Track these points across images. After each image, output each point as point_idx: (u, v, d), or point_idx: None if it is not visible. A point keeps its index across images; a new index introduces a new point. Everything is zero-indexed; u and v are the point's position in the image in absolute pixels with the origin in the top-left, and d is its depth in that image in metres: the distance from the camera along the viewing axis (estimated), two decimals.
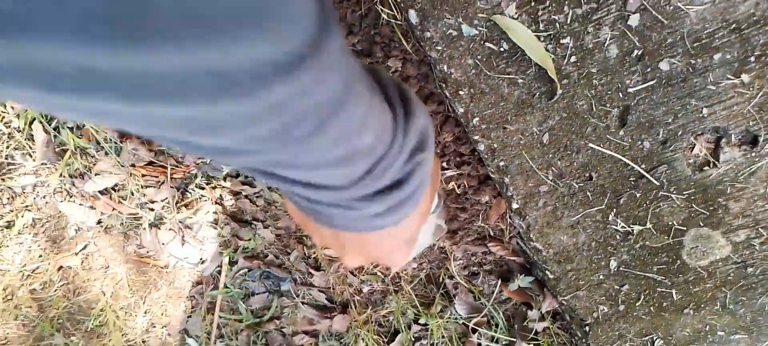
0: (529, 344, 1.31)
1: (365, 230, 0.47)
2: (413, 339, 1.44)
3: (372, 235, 0.49)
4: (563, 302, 1.16)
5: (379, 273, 1.43)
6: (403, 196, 0.44)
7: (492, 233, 1.28)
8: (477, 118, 1.01)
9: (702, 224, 1.03)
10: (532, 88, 0.98)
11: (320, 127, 0.32)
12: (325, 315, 1.55)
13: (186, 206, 1.55)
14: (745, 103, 0.92)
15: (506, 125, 1.01)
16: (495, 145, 1.03)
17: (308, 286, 1.55)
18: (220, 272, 1.59)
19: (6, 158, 1.51)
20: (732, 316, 1.10)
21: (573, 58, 0.94)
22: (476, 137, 1.03)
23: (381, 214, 0.45)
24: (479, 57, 0.96)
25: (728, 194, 0.99)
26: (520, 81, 0.97)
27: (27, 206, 1.57)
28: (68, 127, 1.48)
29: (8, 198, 1.55)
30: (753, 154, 0.96)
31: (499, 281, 1.30)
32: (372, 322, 1.47)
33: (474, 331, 1.36)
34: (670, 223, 1.04)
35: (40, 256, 1.58)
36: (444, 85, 1.01)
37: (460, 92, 0.99)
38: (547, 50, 0.94)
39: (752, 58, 0.89)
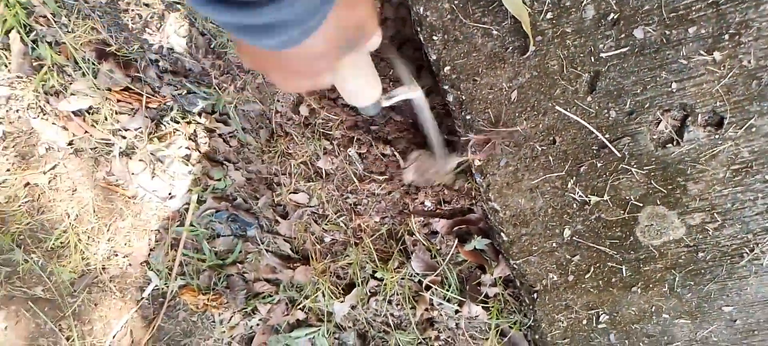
0: (478, 306, 1.27)
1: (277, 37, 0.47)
2: (369, 294, 1.40)
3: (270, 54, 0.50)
4: (515, 265, 1.13)
5: (341, 224, 1.39)
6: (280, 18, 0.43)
7: (458, 189, 1.24)
8: (448, 67, 0.97)
9: (659, 203, 0.99)
10: (506, 42, 0.94)
11: None
12: (288, 265, 1.50)
13: (159, 138, 1.49)
14: (714, 83, 0.89)
15: (476, 77, 0.97)
16: (464, 97, 0.99)
17: (274, 234, 1.51)
18: (187, 210, 1.54)
19: None
20: (678, 299, 1.07)
21: (549, 15, 0.90)
22: (446, 87, 0.99)
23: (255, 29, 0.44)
24: (456, 2, 0.92)
25: (688, 175, 0.96)
26: (494, 32, 0.93)
27: None
28: (47, 42, 1.42)
29: None
30: (717, 136, 0.92)
31: (456, 241, 1.26)
32: (330, 272, 1.43)
33: (427, 288, 1.32)
34: (627, 197, 1.00)
35: (8, 170, 1.52)
36: (419, 29, 0.97)
37: (434, 37, 0.95)
38: (524, 3, 0.90)
39: (726, 36, 0.86)
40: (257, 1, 0.41)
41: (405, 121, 1.30)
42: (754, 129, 0.90)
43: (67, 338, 1.56)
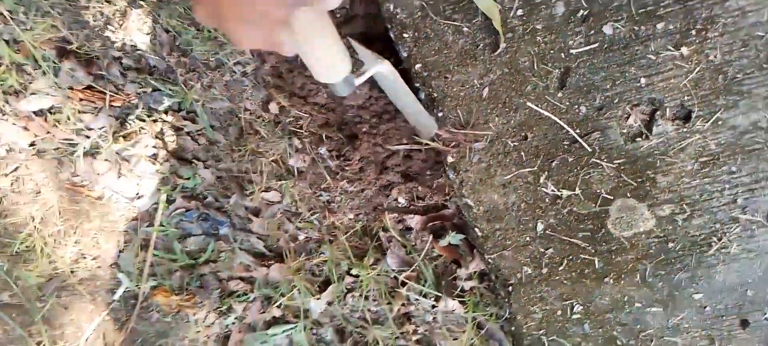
0: (455, 300, 1.29)
1: None
2: (345, 290, 1.40)
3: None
4: (489, 260, 1.14)
5: (315, 222, 1.38)
6: None
7: (431, 184, 1.25)
8: (419, 64, 0.96)
9: (629, 195, 1.01)
10: (477, 39, 0.94)
11: None
12: (262, 263, 1.49)
13: (124, 137, 1.46)
14: (682, 77, 0.90)
15: (448, 75, 0.97)
16: (435, 95, 0.99)
17: (247, 232, 1.49)
18: (156, 210, 1.52)
19: None
20: (650, 289, 1.09)
21: (520, 12, 0.90)
22: (417, 85, 0.99)
23: None
24: None
25: (657, 168, 0.98)
26: (465, 29, 0.93)
27: None
28: (4, 40, 1.37)
29: None
30: (685, 129, 0.94)
31: (431, 237, 1.27)
32: (305, 270, 1.43)
33: (404, 284, 1.33)
34: (598, 191, 1.02)
35: None
36: (390, 26, 0.96)
37: (405, 35, 0.94)
38: (495, 0, 0.90)
39: (693, 32, 0.87)
40: None
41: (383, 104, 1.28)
42: (720, 122, 0.92)
43: (38, 343, 1.53)
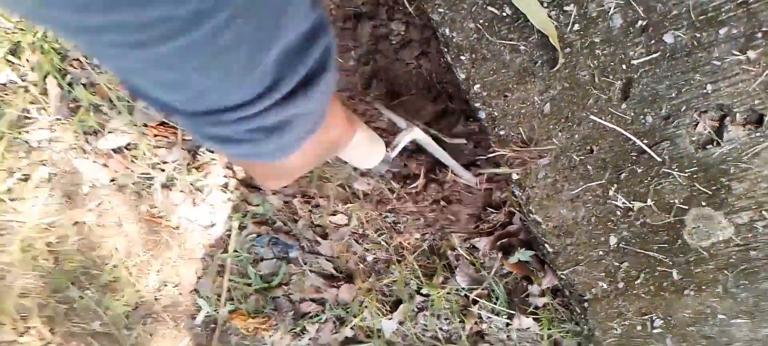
0: (528, 317, 1.34)
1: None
2: (416, 309, 1.49)
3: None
4: (562, 276, 1.20)
5: (382, 243, 1.48)
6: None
7: (497, 204, 1.32)
8: (478, 85, 1.04)
9: (704, 204, 1.04)
10: (534, 56, 1.00)
11: None
12: (332, 284, 1.61)
13: (197, 168, 1.62)
14: (750, 81, 0.93)
15: (507, 93, 1.04)
16: (495, 113, 1.06)
17: (315, 254, 1.61)
18: (229, 236, 1.67)
19: (22, 112, 1.60)
20: (734, 299, 1.11)
21: (576, 26, 0.96)
22: (477, 105, 1.06)
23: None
24: (481, 21, 0.99)
25: (731, 174, 1.01)
26: (522, 48, 1.00)
27: (42, 161, 1.66)
28: (82, 84, 1.57)
29: (25, 152, 1.65)
30: (758, 134, 0.97)
31: (501, 254, 1.34)
32: (376, 291, 1.53)
33: (475, 302, 1.41)
34: (671, 201, 1.06)
35: (56, 210, 1.68)
36: (446, 49, 1.05)
37: (462, 57, 1.02)
38: (550, 17, 0.96)
39: (759, 34, 0.90)
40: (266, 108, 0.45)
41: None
42: None
43: None
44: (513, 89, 1.04)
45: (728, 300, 1.12)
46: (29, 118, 1.62)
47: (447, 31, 1.02)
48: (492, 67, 1.03)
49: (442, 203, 1.34)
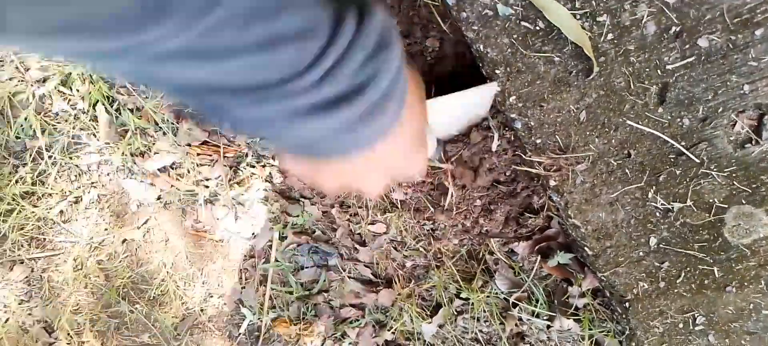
0: (569, 319, 1.34)
1: (334, 153, 0.46)
2: (455, 313, 1.50)
3: (343, 160, 0.48)
4: (603, 278, 1.19)
5: (421, 249, 1.49)
6: (368, 103, 0.41)
7: (535, 209, 1.32)
8: (514, 97, 1.05)
9: (744, 202, 1.04)
10: (569, 66, 1.01)
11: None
12: (371, 289, 1.63)
13: (238, 183, 1.65)
14: None
15: (543, 103, 1.04)
16: (532, 123, 1.06)
17: (354, 261, 1.63)
18: (271, 247, 1.70)
19: (73, 138, 1.65)
20: None
21: (610, 36, 0.96)
22: (513, 116, 1.07)
23: (348, 129, 0.42)
24: (515, 36, 1.00)
25: None
26: (556, 59, 1.00)
27: (93, 183, 1.71)
28: (129, 109, 1.61)
29: (75, 175, 1.70)
30: None
31: (539, 258, 1.34)
32: (415, 296, 1.54)
33: (514, 305, 1.41)
34: (711, 200, 1.05)
35: (106, 229, 1.73)
36: (481, 65, 1.06)
37: (497, 71, 1.03)
38: (584, 28, 0.96)
39: None
40: (366, 82, 0.40)
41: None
42: None
43: None
44: (548, 99, 1.04)
45: None
46: (80, 143, 1.67)
47: (481, 47, 1.02)
48: (527, 79, 1.03)
49: (481, 209, 1.34)
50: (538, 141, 1.08)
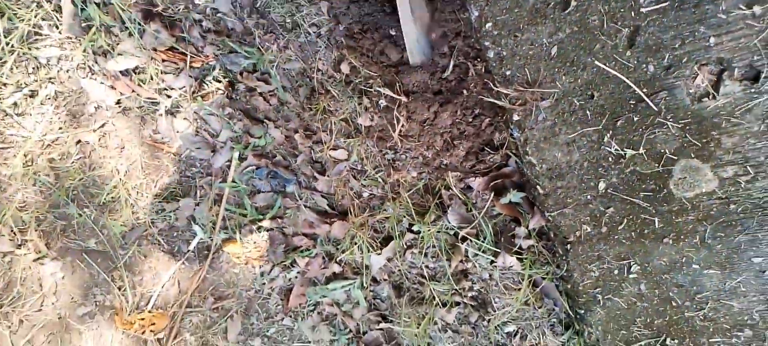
0: (512, 256, 1.33)
1: None
2: (405, 246, 1.47)
3: None
4: (550, 218, 1.18)
5: (379, 180, 1.45)
6: None
7: (495, 145, 1.29)
8: (490, 23, 1.01)
9: (693, 156, 1.03)
10: None
11: None
12: (325, 221, 1.58)
13: (202, 96, 1.56)
14: (752, 36, 0.92)
15: (517, 33, 1.01)
16: (504, 53, 1.03)
17: (312, 190, 1.58)
18: (229, 166, 1.62)
19: (33, 27, 1.52)
20: (709, 251, 1.11)
21: None
22: (487, 43, 1.03)
23: None
24: None
25: (723, 128, 1.00)
26: None
27: (50, 78, 1.58)
28: (95, 3, 1.49)
29: (33, 68, 1.57)
30: (752, 90, 0.95)
31: (493, 195, 1.32)
32: (368, 226, 1.50)
33: (463, 240, 1.39)
34: (662, 150, 1.04)
35: (60, 128, 1.61)
36: None
37: None
38: None
39: None
40: None
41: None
42: None
43: (119, 288, 1.67)
44: (523, 29, 1.00)
45: (704, 251, 1.12)
46: (40, 34, 1.53)
47: None
48: (505, 6, 0.99)
49: (447, 137, 1.31)
50: (508, 73, 1.05)
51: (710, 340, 1.20)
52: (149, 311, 1.67)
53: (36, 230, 1.66)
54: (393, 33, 1.37)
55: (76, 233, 1.67)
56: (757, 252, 1.09)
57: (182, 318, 1.69)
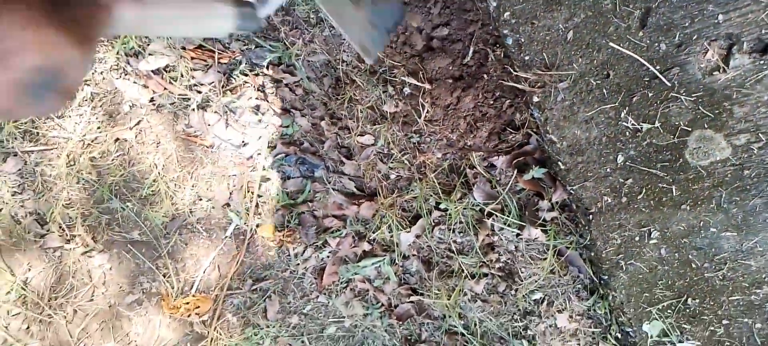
0: (537, 229, 1.43)
1: None
2: (433, 224, 1.57)
3: None
4: (571, 191, 1.27)
5: (406, 162, 1.55)
6: None
7: (516, 125, 1.38)
8: (508, 13, 1.09)
9: (706, 126, 1.11)
10: None
11: None
12: (353, 202, 1.68)
13: (231, 90, 1.66)
14: (759, 12, 0.98)
15: (535, 20, 1.08)
16: (522, 40, 1.11)
17: (339, 174, 1.68)
18: (260, 155, 1.73)
19: None
20: (725, 214, 1.20)
21: None
22: (506, 31, 1.11)
23: None
24: None
25: (734, 99, 1.07)
26: None
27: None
28: None
29: None
30: (762, 62, 1.02)
31: (516, 172, 1.41)
32: (397, 206, 1.60)
33: (489, 215, 1.49)
34: (676, 123, 1.12)
35: (99, 128, 1.73)
36: None
37: None
38: None
39: None
40: None
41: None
42: None
43: (164, 275, 1.81)
44: (540, 17, 1.08)
45: (720, 215, 1.20)
46: None
47: None
48: None
49: (470, 119, 1.39)
50: (527, 58, 1.13)
51: (730, 298, 1.29)
52: (193, 296, 1.81)
53: (83, 226, 1.80)
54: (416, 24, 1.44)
55: (120, 226, 1.80)
56: None
57: (224, 300, 1.82)
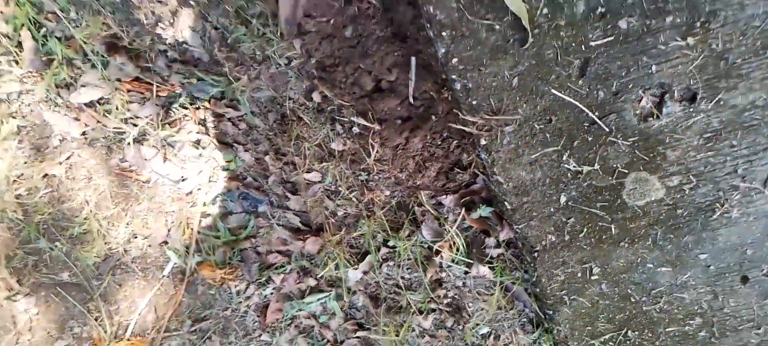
0: (484, 266, 1.47)
1: None
2: (381, 260, 1.58)
3: None
4: (517, 229, 1.32)
5: (353, 199, 1.55)
6: None
7: (464, 165, 1.41)
8: (456, 59, 1.12)
9: (642, 169, 1.18)
10: (507, 35, 1.09)
11: None
12: (299, 237, 1.67)
13: (169, 124, 1.62)
14: (688, 64, 1.06)
15: (482, 67, 1.12)
16: (470, 85, 1.14)
17: (284, 209, 1.66)
18: (200, 190, 1.69)
19: None
20: (661, 251, 1.27)
21: (545, 10, 1.05)
22: (454, 76, 1.14)
23: None
24: (462, 1, 1.06)
25: (667, 144, 1.14)
26: (496, 27, 1.08)
27: (12, 113, 1.61)
28: (56, 37, 1.52)
29: None
30: (691, 109, 1.10)
31: (463, 210, 1.45)
32: (344, 243, 1.60)
33: (437, 253, 1.51)
34: (614, 166, 1.19)
35: (25, 163, 1.64)
36: (429, 26, 1.12)
37: (443, 33, 1.10)
38: (523, 1, 1.05)
39: (698, 24, 1.02)
40: None
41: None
42: (722, 102, 1.08)
43: (96, 319, 1.73)
44: (487, 64, 1.12)
45: (656, 251, 1.27)
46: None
47: (431, 8, 1.08)
48: (469, 44, 1.10)
49: (418, 160, 1.42)
50: (474, 102, 1.16)
51: (666, 329, 1.36)
52: (128, 339, 1.73)
53: (6, 268, 1.70)
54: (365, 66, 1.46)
55: (48, 267, 1.71)
56: (702, 250, 1.26)
57: (161, 343, 1.76)
